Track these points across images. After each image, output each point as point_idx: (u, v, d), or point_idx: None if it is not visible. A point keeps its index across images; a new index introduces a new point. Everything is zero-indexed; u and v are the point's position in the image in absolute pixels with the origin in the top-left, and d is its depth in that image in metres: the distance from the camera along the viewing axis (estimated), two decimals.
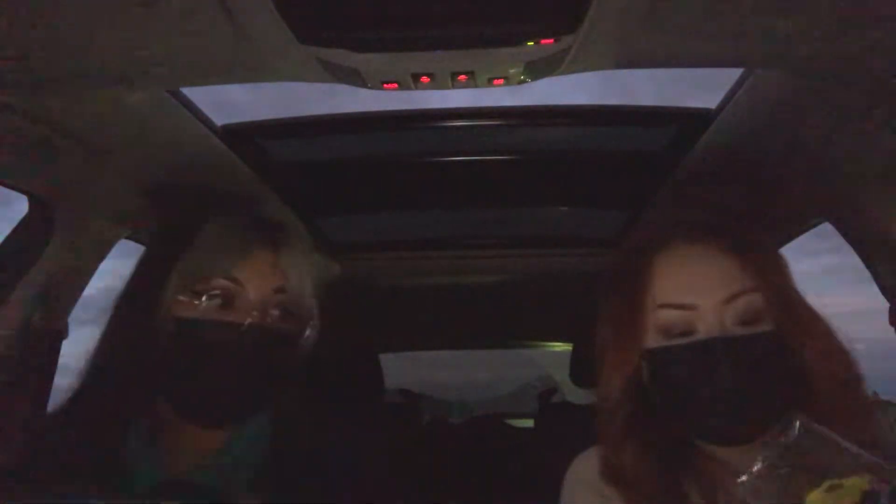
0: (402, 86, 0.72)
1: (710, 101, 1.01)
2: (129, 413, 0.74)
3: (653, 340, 0.68)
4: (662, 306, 0.67)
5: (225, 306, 0.73)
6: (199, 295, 0.73)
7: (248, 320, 0.72)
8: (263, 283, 0.74)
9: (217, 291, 0.73)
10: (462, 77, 0.70)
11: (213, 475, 0.72)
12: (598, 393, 0.73)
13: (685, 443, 0.70)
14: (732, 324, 0.65)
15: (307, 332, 0.79)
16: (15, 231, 0.93)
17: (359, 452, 0.77)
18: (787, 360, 0.64)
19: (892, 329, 1.01)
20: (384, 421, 2.08)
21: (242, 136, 1.10)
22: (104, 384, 0.74)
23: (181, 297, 0.73)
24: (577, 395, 2.83)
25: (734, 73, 0.88)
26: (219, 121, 1.06)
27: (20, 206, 0.93)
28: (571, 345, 2.55)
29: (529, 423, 2.43)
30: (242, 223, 0.79)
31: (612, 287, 0.74)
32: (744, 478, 0.53)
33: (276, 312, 0.75)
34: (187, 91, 0.93)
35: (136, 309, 0.75)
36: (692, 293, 0.66)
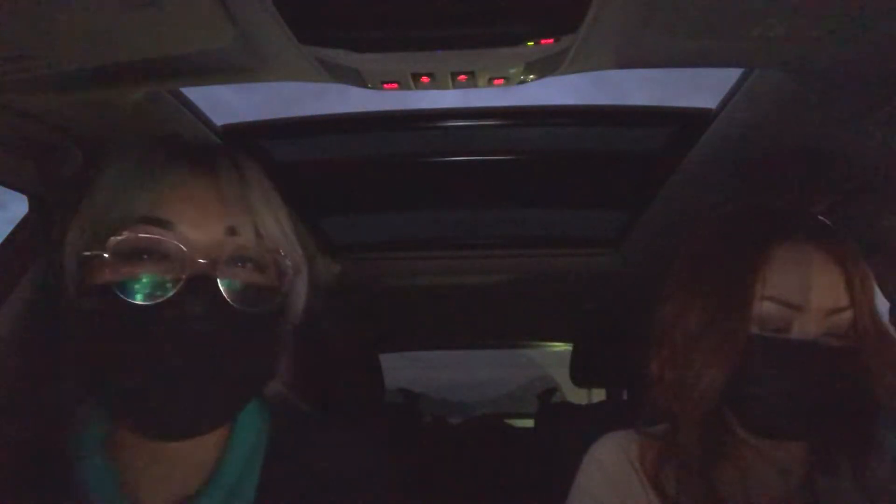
0: (402, 86, 0.72)
1: (700, 102, 1.01)
2: (66, 421, 0.56)
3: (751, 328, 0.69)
4: (768, 298, 0.67)
5: (150, 259, 0.51)
6: (114, 247, 0.51)
7: (189, 272, 0.50)
8: (205, 223, 0.53)
9: (126, 237, 0.51)
10: (462, 77, 0.70)
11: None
12: (681, 376, 0.71)
13: (726, 428, 0.71)
14: (826, 333, 0.67)
15: (283, 295, 0.57)
16: (15, 231, 0.92)
17: (359, 454, 0.76)
18: (858, 378, 0.66)
19: (893, 328, 1.01)
20: (384, 421, 2.08)
21: (242, 136, 1.10)
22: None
23: (88, 254, 0.53)
24: (577, 395, 2.84)
25: (734, 73, 0.88)
26: (219, 121, 1.06)
27: (20, 206, 0.93)
28: (571, 345, 2.55)
29: (529, 423, 2.43)
30: (165, 149, 0.57)
31: (718, 266, 0.72)
32: None
33: (236, 264, 0.53)
34: (187, 91, 0.93)
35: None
36: (803, 295, 0.67)
